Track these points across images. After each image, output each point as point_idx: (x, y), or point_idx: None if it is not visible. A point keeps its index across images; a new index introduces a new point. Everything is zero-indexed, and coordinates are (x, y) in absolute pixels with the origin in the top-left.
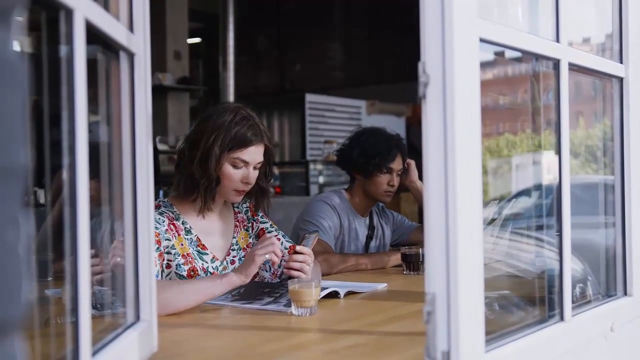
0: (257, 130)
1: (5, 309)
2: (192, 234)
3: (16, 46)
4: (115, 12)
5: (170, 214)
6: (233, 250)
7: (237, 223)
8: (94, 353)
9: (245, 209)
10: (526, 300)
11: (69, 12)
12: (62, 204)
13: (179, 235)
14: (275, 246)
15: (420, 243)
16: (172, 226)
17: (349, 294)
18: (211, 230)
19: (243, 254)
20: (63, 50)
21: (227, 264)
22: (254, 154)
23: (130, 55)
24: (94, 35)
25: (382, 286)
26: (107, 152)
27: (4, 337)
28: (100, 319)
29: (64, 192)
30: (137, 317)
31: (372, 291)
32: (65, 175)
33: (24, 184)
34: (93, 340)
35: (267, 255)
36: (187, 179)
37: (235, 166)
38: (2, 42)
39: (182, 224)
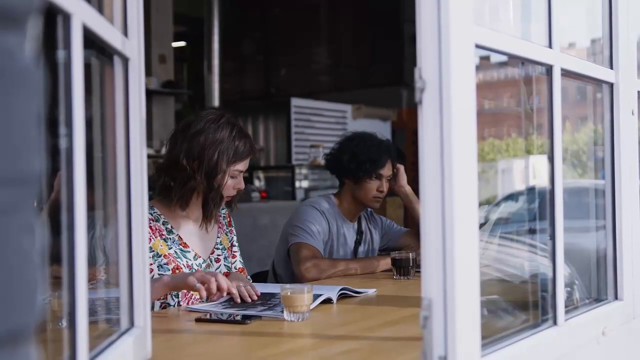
0: (251, 141)
1: (22, 317)
2: (173, 233)
3: (31, 52)
4: (109, 16)
5: (149, 215)
6: (217, 249)
7: (220, 225)
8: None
9: (223, 215)
10: (518, 305)
11: (67, 17)
12: (50, 208)
13: (156, 237)
14: (212, 284)
15: (409, 247)
16: (149, 229)
17: (342, 297)
18: (194, 231)
19: (227, 253)
20: (60, 54)
21: (210, 261)
22: (248, 163)
23: (125, 60)
24: (89, 40)
25: (372, 291)
26: (101, 157)
27: (20, 345)
28: (93, 325)
29: (52, 196)
30: (132, 324)
31: (363, 296)
32: (62, 180)
33: (38, 191)
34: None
35: (198, 285)
36: (190, 192)
37: (232, 177)
38: (18, 49)
39: (163, 224)
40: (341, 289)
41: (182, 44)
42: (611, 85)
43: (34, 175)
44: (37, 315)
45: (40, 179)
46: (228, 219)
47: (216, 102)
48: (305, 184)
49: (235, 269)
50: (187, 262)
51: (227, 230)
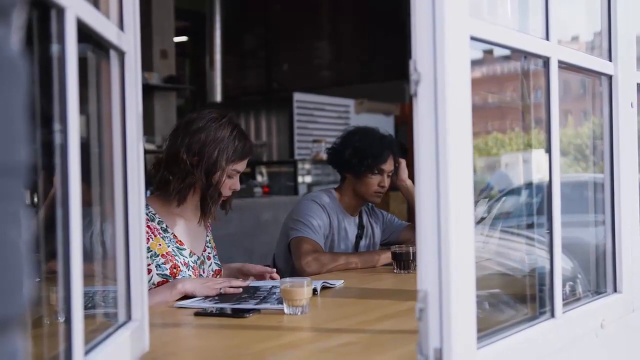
0: (251, 143)
1: (8, 306)
2: (169, 232)
3: (16, 44)
4: (105, 10)
5: (145, 215)
6: (208, 247)
7: (208, 224)
8: (86, 352)
9: None
10: (517, 297)
11: (61, 11)
12: (49, 204)
13: (155, 236)
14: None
15: (410, 242)
16: (147, 228)
17: (324, 289)
18: (186, 229)
19: (215, 252)
20: (54, 48)
21: (204, 258)
22: (245, 164)
23: (121, 54)
24: (84, 34)
25: (339, 283)
26: (97, 152)
27: (6, 334)
28: (91, 318)
29: (51, 192)
30: (129, 317)
31: (363, 290)
32: (57, 176)
33: (24, 182)
34: (84, 340)
35: (221, 290)
36: (188, 188)
37: (229, 176)
38: (3, 40)
39: (158, 223)
40: (322, 286)
41: (183, 39)
42: (610, 77)
43: (19, 166)
44: (24, 304)
45: (26, 170)
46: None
47: (218, 98)
48: (307, 179)
49: (212, 271)
50: (183, 259)
51: (212, 229)
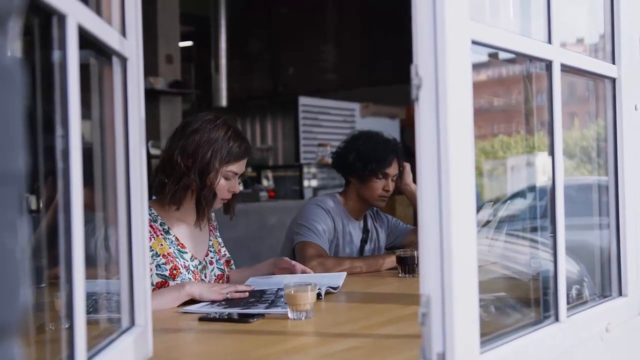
0: (247, 144)
1: (4, 313)
2: (171, 234)
3: (13, 52)
4: (107, 17)
5: (148, 216)
6: (210, 251)
7: (211, 228)
8: (89, 358)
9: (212, 218)
10: (521, 301)
11: (62, 18)
12: (54, 210)
13: (157, 236)
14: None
15: (414, 245)
16: (149, 228)
17: (327, 293)
18: (189, 233)
19: (218, 257)
20: (55, 55)
21: (206, 263)
22: (243, 166)
23: (123, 60)
24: (86, 40)
25: (342, 276)
26: (100, 157)
27: (2, 341)
28: (95, 324)
29: (57, 198)
30: (132, 322)
31: (368, 294)
32: (59, 181)
33: (21, 189)
34: (88, 346)
35: (228, 295)
36: (183, 190)
37: (226, 178)
38: (0, 48)
39: (160, 225)
40: (326, 291)
41: (189, 43)
42: (613, 80)
43: (16, 174)
44: (21, 312)
45: (25, 178)
46: (215, 223)
47: (224, 102)
48: (313, 182)
49: (215, 276)
50: (184, 262)
51: (216, 234)
